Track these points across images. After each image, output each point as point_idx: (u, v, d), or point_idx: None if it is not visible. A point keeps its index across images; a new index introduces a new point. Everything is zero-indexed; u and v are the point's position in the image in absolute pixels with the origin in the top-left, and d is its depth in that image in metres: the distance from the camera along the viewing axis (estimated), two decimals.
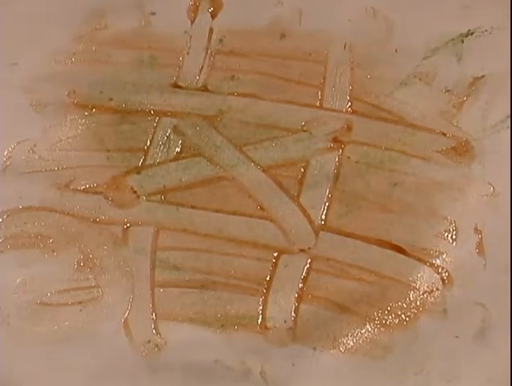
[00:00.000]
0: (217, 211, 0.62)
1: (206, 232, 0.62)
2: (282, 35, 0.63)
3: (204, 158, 0.63)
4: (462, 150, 0.62)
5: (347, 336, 0.61)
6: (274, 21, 0.63)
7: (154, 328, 0.61)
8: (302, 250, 0.62)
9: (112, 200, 0.62)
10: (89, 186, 0.62)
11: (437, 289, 0.61)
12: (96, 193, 0.62)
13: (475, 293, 0.61)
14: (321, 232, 0.62)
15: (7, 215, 0.62)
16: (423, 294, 0.61)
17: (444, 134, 0.63)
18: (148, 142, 0.63)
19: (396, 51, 0.63)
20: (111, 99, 0.63)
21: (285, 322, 0.61)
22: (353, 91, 0.63)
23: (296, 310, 0.61)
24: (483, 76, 0.63)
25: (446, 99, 0.63)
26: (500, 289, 0.61)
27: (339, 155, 0.63)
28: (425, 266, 0.61)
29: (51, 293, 0.61)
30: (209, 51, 0.64)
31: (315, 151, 0.63)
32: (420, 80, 0.63)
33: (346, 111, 0.63)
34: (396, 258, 0.61)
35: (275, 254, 0.62)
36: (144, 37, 0.64)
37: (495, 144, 0.62)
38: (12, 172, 0.62)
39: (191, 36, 0.64)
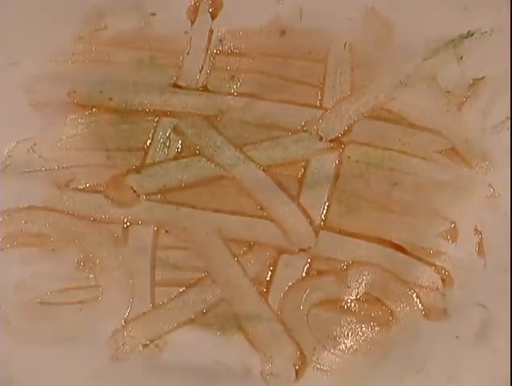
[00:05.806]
0: (217, 211, 0.62)
1: (206, 231, 0.62)
2: (283, 32, 0.63)
3: (204, 157, 0.63)
4: (462, 151, 0.62)
5: (347, 336, 0.61)
6: (274, 19, 0.63)
7: None
8: (302, 249, 0.62)
9: (112, 199, 0.62)
10: (89, 186, 0.62)
11: (437, 289, 0.61)
12: (96, 192, 0.62)
13: (475, 293, 0.61)
14: (321, 232, 0.62)
15: (7, 215, 0.62)
16: (422, 294, 0.61)
17: (444, 134, 0.63)
18: (148, 142, 0.63)
19: (396, 51, 0.64)
20: (111, 99, 0.63)
21: None
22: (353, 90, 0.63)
23: None
24: (483, 78, 0.63)
25: (446, 100, 0.63)
26: (500, 290, 0.61)
27: (339, 155, 0.63)
28: (425, 266, 0.61)
29: (51, 293, 0.61)
30: (209, 52, 0.64)
31: (315, 151, 0.63)
32: (420, 80, 0.63)
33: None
34: (396, 257, 0.61)
35: (275, 254, 0.62)
36: (144, 37, 0.64)
37: (495, 145, 0.62)
38: (12, 171, 0.62)
39: (191, 37, 0.64)
